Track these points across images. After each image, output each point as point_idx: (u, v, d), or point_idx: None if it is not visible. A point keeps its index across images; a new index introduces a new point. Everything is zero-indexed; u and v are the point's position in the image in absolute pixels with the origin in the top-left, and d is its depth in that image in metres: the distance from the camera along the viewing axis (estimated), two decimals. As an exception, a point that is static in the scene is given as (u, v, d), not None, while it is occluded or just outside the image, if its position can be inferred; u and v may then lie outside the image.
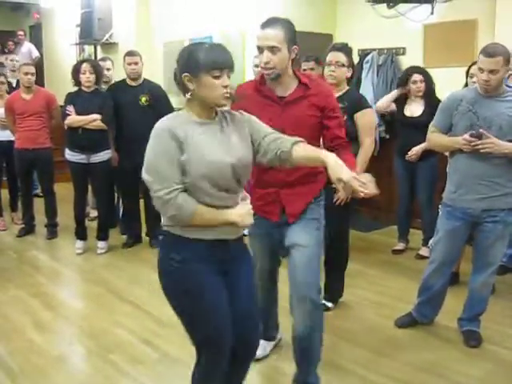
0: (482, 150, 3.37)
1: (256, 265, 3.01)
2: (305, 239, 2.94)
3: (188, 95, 2.32)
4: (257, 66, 5.74)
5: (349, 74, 3.99)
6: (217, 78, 2.24)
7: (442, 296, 3.84)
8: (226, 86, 2.25)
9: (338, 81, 3.96)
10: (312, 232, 2.97)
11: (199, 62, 2.23)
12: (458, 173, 3.55)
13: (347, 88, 4.03)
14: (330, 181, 3.89)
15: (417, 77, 5.17)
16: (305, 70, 5.32)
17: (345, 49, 3.99)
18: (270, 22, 2.79)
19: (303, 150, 2.35)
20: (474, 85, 3.57)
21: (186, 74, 2.27)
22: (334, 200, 3.93)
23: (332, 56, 3.94)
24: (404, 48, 6.43)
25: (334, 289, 4.25)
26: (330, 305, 4.21)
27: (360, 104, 3.98)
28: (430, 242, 5.01)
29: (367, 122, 3.96)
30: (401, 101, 5.33)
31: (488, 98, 3.43)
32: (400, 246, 5.62)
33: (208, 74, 2.23)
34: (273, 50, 2.76)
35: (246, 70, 6.59)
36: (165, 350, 3.59)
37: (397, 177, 5.53)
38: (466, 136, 3.40)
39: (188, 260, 2.28)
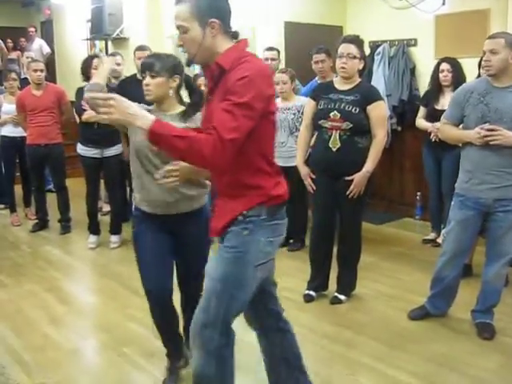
0: (492, 142, 3.36)
1: None
2: (211, 267, 2.44)
3: None
4: (266, 59, 5.79)
5: (360, 66, 3.97)
6: (143, 78, 2.82)
7: (454, 288, 3.83)
8: (146, 85, 2.80)
9: (349, 73, 3.94)
10: (221, 262, 2.36)
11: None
12: (470, 163, 3.54)
13: (359, 80, 4.01)
14: (336, 175, 3.93)
15: (444, 66, 5.09)
16: (316, 62, 5.38)
17: (356, 41, 3.96)
18: None
19: None
20: (486, 76, 3.55)
21: None
22: (347, 193, 3.92)
23: (343, 48, 3.92)
24: (415, 39, 6.39)
25: (347, 282, 4.25)
26: (342, 298, 4.21)
27: (372, 96, 3.96)
28: (443, 231, 5.00)
29: (379, 114, 3.95)
30: (433, 94, 5.22)
31: (500, 90, 3.41)
32: (431, 235, 5.61)
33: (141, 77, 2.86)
34: (182, 30, 2.26)
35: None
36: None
37: (426, 169, 5.48)
38: (477, 129, 3.40)
39: (139, 219, 2.95)
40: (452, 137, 3.74)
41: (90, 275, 5.25)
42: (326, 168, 4.03)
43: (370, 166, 3.93)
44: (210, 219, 2.53)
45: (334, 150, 3.92)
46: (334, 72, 5.46)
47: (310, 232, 4.56)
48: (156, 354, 3.46)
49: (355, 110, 3.88)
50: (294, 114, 5.16)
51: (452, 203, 3.73)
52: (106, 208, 6.46)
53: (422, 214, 6.25)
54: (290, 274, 4.77)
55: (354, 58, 3.90)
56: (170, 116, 2.84)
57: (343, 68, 3.92)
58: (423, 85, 5.96)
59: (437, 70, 5.16)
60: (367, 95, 3.93)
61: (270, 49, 5.81)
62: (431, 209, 5.61)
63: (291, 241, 5.50)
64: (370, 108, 3.90)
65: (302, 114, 4.94)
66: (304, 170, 4.20)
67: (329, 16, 6.92)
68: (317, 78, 5.50)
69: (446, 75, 5.07)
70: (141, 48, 5.56)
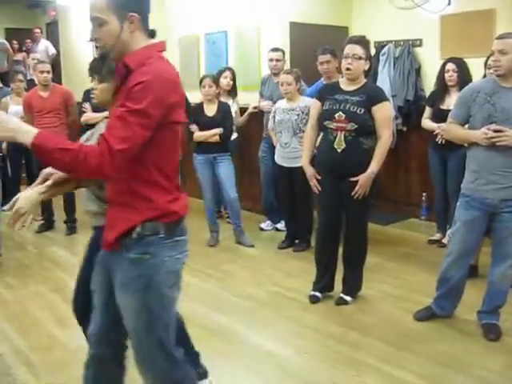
0: (498, 143, 3.36)
1: None
2: (124, 305, 2.21)
3: None
4: (271, 60, 5.80)
5: (366, 67, 3.96)
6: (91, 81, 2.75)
7: (460, 289, 3.82)
8: (93, 89, 2.76)
9: (354, 74, 3.94)
10: (133, 294, 2.16)
11: None
12: (476, 163, 3.54)
13: (365, 81, 4.01)
14: (341, 176, 3.93)
15: (449, 66, 5.08)
16: (321, 62, 5.39)
17: (362, 41, 3.96)
18: None
19: None
20: (493, 76, 3.55)
21: None
22: (352, 194, 3.92)
23: (349, 49, 3.91)
24: (421, 39, 6.38)
25: (353, 283, 4.25)
26: (348, 299, 4.21)
27: (377, 97, 3.96)
28: (448, 232, 4.99)
29: (385, 114, 3.94)
30: (439, 94, 5.21)
31: (507, 90, 3.41)
32: (437, 236, 5.60)
33: None
34: (97, 22, 2.09)
35: (261, 65, 6.59)
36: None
37: (431, 170, 5.47)
38: (484, 129, 3.40)
39: None
40: (458, 137, 3.74)
41: (96, 276, 5.26)
42: (331, 169, 4.03)
43: (374, 166, 3.92)
44: None
45: (339, 150, 3.92)
46: (339, 73, 5.45)
47: (315, 233, 4.56)
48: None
49: (360, 110, 3.88)
50: (298, 114, 5.17)
51: (458, 204, 3.72)
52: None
53: (428, 214, 6.24)
54: (295, 275, 4.79)
55: (360, 58, 3.90)
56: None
57: (348, 69, 3.92)
58: (429, 85, 5.95)
59: (442, 70, 5.15)
60: (372, 96, 3.93)
61: (275, 49, 5.81)
62: (437, 209, 5.60)
63: (296, 241, 5.50)
64: (375, 109, 3.89)
65: (306, 114, 4.97)
66: (310, 171, 4.20)
67: (334, 16, 6.91)
68: (322, 79, 5.50)
69: (451, 75, 5.06)
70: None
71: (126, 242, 2.14)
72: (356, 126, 3.86)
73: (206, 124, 5.36)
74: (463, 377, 3.21)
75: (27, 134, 1.94)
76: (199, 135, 5.37)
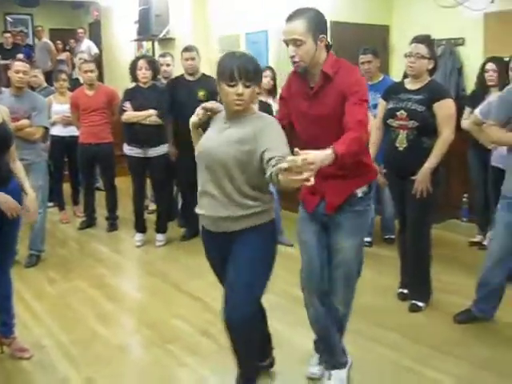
0: None
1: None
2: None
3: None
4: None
5: (430, 66, 3.92)
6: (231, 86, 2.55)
7: (500, 292, 3.76)
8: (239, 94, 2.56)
9: (417, 72, 3.92)
10: (353, 233, 2.91)
11: (219, 71, 2.60)
12: None
13: (428, 79, 3.97)
14: (403, 175, 3.91)
15: (489, 66, 4.99)
16: (362, 62, 5.34)
17: (426, 41, 3.94)
18: (294, 15, 2.72)
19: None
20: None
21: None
22: (413, 192, 3.89)
23: (412, 48, 3.91)
24: (463, 38, 6.29)
25: (419, 287, 4.15)
26: (421, 305, 4.11)
27: (439, 94, 3.91)
28: (488, 234, 4.91)
29: (446, 112, 3.88)
30: (479, 94, 5.10)
31: None
32: (478, 238, 5.50)
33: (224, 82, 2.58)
34: (296, 43, 2.67)
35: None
36: (222, 341, 3.61)
37: (471, 171, 5.41)
38: None
39: None
40: (507, 140, 3.66)
41: (136, 272, 5.34)
42: (394, 167, 4.04)
43: (432, 162, 3.87)
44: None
45: (401, 149, 3.92)
46: (381, 72, 5.41)
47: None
48: (200, 351, 3.51)
49: (421, 108, 3.85)
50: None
51: (499, 206, 3.67)
52: (152, 206, 6.54)
53: (469, 215, 6.13)
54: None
55: (423, 57, 3.86)
56: None
57: (411, 67, 3.92)
58: (471, 85, 5.86)
59: (482, 70, 5.07)
60: (434, 93, 3.89)
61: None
62: (478, 211, 5.51)
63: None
64: (436, 106, 3.85)
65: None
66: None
67: (374, 15, 6.86)
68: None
69: (491, 75, 4.96)
70: (187, 49, 5.64)
71: (351, 200, 2.80)
72: (417, 124, 3.83)
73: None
74: (503, 381, 3.17)
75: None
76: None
